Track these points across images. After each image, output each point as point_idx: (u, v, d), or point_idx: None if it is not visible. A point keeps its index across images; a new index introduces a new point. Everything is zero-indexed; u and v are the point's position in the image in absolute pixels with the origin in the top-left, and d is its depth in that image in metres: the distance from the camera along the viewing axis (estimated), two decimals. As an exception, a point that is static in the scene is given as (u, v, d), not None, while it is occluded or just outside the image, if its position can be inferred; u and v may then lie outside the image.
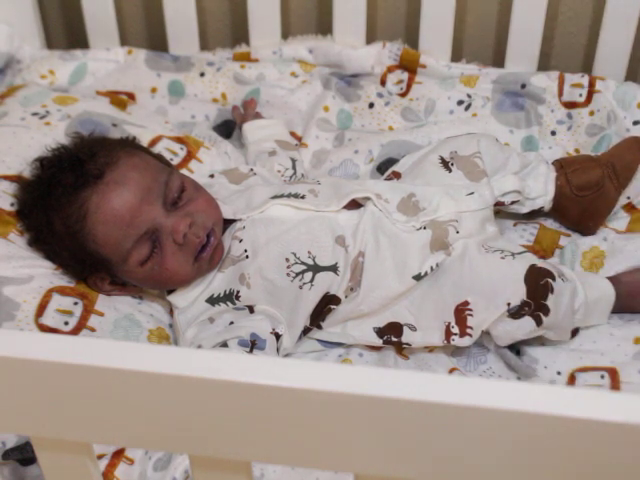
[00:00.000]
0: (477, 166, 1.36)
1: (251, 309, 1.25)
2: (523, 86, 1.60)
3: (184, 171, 1.47)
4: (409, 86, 1.66)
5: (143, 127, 1.53)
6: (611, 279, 1.31)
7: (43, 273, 1.28)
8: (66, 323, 1.24)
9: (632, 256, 1.37)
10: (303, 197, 1.31)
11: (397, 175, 1.42)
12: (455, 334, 1.23)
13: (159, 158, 1.36)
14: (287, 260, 1.25)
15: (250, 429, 0.70)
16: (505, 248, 1.28)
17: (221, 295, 1.26)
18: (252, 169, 1.45)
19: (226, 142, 1.58)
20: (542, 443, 0.65)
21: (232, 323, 1.21)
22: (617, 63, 1.62)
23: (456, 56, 1.73)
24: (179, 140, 1.53)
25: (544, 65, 1.73)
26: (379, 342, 1.27)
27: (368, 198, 1.29)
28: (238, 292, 1.25)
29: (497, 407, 0.64)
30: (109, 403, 0.71)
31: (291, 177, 1.47)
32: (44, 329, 1.22)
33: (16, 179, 1.38)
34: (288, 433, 0.70)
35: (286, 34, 1.77)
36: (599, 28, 1.61)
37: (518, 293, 1.21)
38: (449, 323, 1.23)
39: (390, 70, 1.68)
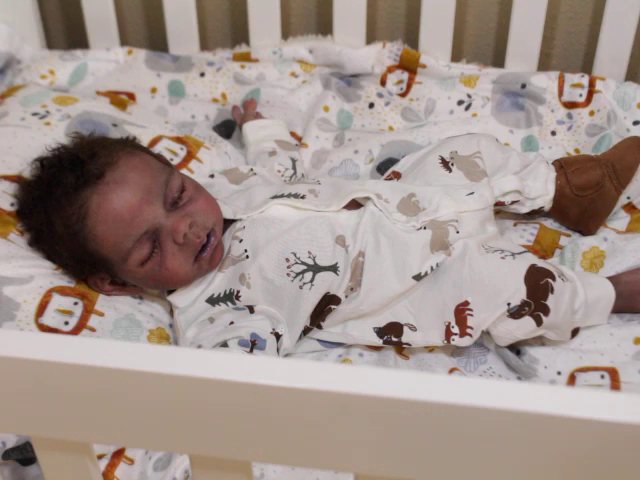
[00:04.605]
0: (477, 166, 1.36)
1: (251, 309, 1.25)
2: (523, 86, 1.60)
3: (184, 171, 1.47)
4: (409, 86, 1.66)
5: (143, 127, 1.53)
6: (611, 279, 1.31)
7: (43, 273, 1.28)
8: (66, 323, 1.24)
9: (632, 256, 1.37)
10: (303, 197, 1.31)
11: (397, 175, 1.42)
12: (455, 334, 1.23)
13: (159, 158, 1.36)
14: (287, 260, 1.25)
15: (250, 429, 0.70)
16: (505, 248, 1.28)
17: (221, 295, 1.26)
18: (252, 169, 1.45)
19: (226, 142, 1.58)
20: (542, 443, 0.65)
21: (232, 323, 1.21)
22: (617, 63, 1.62)
23: (456, 56, 1.73)
24: (179, 140, 1.53)
25: (544, 65, 1.73)
26: (379, 342, 1.27)
27: (368, 198, 1.29)
28: (238, 292, 1.25)
29: (497, 407, 0.64)
30: (109, 403, 0.71)
31: (291, 177, 1.47)
32: (44, 329, 1.22)
33: (16, 179, 1.38)
34: (288, 433, 0.70)
35: (286, 34, 1.77)
36: (599, 28, 1.61)
37: (518, 293, 1.21)
38: (449, 323, 1.23)
39: (390, 70, 1.68)
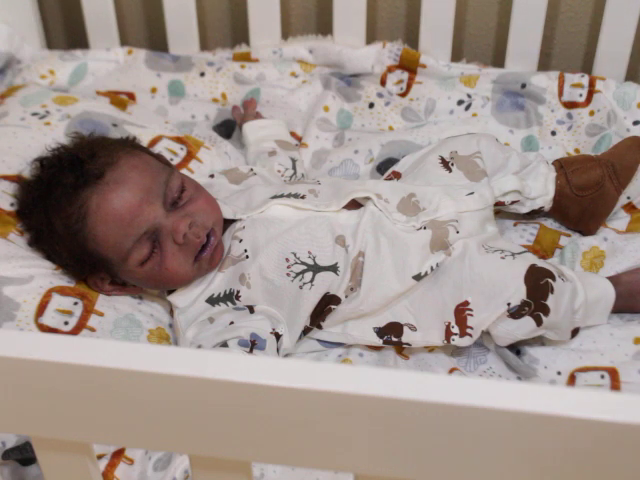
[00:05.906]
0: (477, 166, 1.36)
1: (251, 309, 1.25)
2: (523, 86, 1.60)
3: (184, 171, 1.47)
4: (409, 86, 1.66)
5: (143, 127, 1.53)
6: (611, 279, 1.31)
7: (43, 273, 1.28)
8: (66, 323, 1.24)
9: (632, 256, 1.37)
10: (303, 197, 1.31)
11: (397, 175, 1.42)
12: (455, 334, 1.23)
13: (159, 158, 1.36)
14: (287, 260, 1.25)
15: (250, 429, 0.70)
16: (505, 248, 1.28)
17: (221, 295, 1.26)
18: (252, 169, 1.45)
19: (226, 142, 1.58)
20: (542, 443, 0.65)
21: (232, 323, 1.21)
22: (617, 63, 1.62)
23: (456, 56, 1.73)
24: (179, 140, 1.53)
25: (544, 65, 1.73)
26: (379, 342, 1.27)
27: (368, 198, 1.29)
28: (238, 292, 1.25)
29: (497, 407, 0.64)
30: (109, 403, 0.71)
31: (291, 177, 1.47)
32: (44, 329, 1.22)
33: (16, 179, 1.38)
34: (288, 433, 0.70)
35: (286, 34, 1.77)
36: (599, 28, 1.61)
37: (518, 293, 1.21)
38: (449, 323, 1.23)
39: (390, 70, 1.68)
